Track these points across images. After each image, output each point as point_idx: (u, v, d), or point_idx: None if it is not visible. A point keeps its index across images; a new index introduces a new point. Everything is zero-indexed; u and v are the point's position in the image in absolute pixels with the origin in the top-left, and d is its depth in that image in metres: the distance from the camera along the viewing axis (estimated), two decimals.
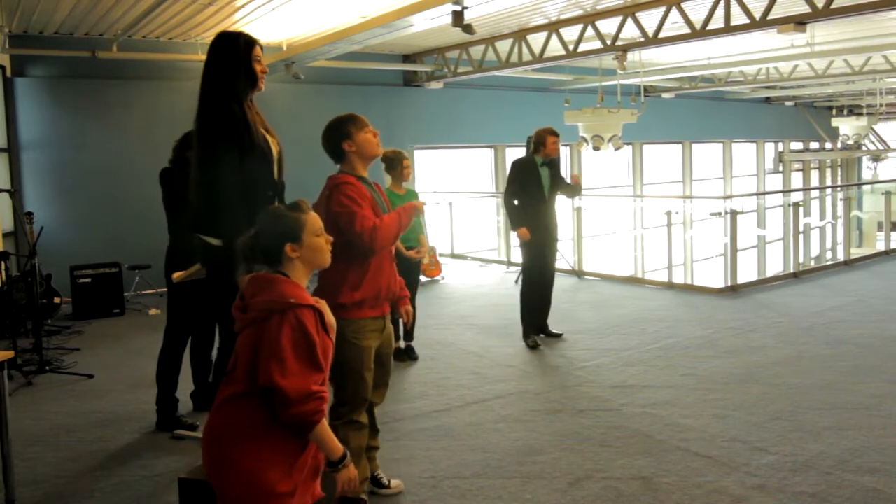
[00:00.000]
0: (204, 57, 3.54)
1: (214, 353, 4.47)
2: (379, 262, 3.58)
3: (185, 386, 5.28)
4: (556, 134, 6.86)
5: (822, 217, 21.66)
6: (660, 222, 11.01)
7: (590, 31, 10.24)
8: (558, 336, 7.12)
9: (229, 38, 3.47)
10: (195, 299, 4.94)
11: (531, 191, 6.83)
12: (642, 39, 9.83)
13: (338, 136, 3.57)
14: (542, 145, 6.83)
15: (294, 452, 2.35)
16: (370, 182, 3.66)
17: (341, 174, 3.58)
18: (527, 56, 11.49)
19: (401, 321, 6.32)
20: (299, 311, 2.33)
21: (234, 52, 3.42)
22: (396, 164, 6.32)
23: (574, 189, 7.16)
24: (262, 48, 3.53)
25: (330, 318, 2.50)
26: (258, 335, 2.33)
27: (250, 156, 3.34)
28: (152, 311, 8.95)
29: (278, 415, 2.27)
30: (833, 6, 7.60)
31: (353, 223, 3.42)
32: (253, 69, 3.43)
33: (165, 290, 5.22)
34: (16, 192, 9.14)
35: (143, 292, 9.85)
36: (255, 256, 2.48)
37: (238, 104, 3.37)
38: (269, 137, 3.50)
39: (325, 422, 2.32)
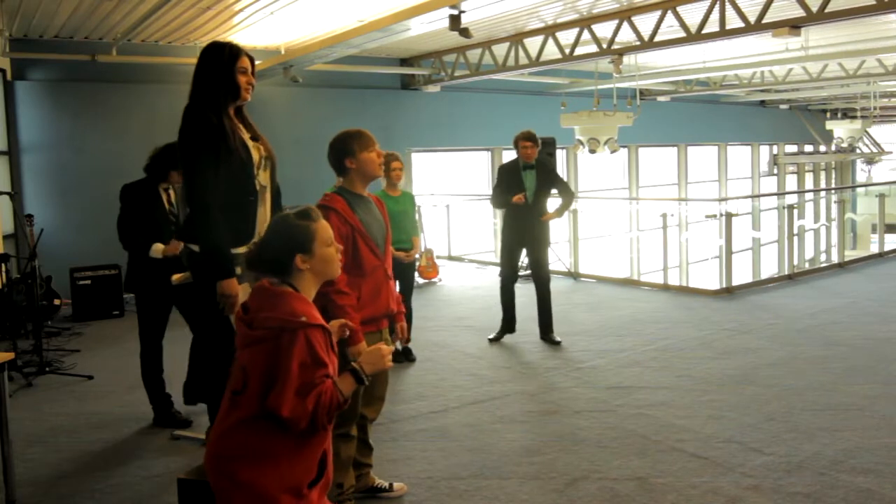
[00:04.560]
0: None
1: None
2: (376, 284, 3.57)
3: (180, 383, 5.31)
4: (527, 139, 6.86)
5: (817, 219, 21.71)
6: (655, 225, 11.05)
7: (586, 35, 10.29)
8: (557, 344, 7.05)
9: (215, 48, 3.51)
10: (169, 300, 5.10)
11: (513, 194, 6.87)
12: (638, 43, 9.89)
13: (341, 151, 3.56)
14: (516, 149, 6.95)
15: (309, 473, 2.33)
16: (367, 199, 3.65)
17: (333, 194, 3.56)
18: (523, 59, 11.54)
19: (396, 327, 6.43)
20: (310, 331, 2.25)
21: (217, 62, 3.46)
22: (384, 167, 6.35)
23: (566, 202, 7.16)
24: (251, 59, 3.55)
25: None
26: (270, 355, 2.24)
27: (227, 163, 3.39)
28: None
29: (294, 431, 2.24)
30: (827, 10, 7.64)
31: None
32: (235, 80, 3.46)
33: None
34: (16, 195, 9.16)
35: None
36: (262, 266, 2.40)
37: (215, 113, 3.41)
38: (252, 144, 3.53)
39: (333, 394, 2.27)
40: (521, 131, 6.97)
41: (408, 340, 6.72)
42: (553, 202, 7.24)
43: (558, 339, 7.10)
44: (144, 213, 5.09)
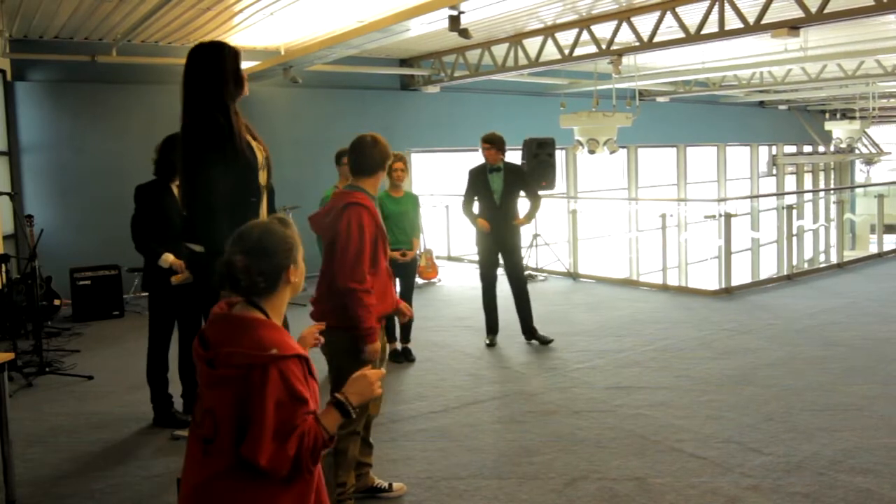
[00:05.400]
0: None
1: None
2: (385, 282, 3.68)
3: (177, 387, 5.33)
4: (486, 141, 6.98)
5: (816, 220, 21.75)
6: (654, 225, 11.06)
7: (585, 36, 10.30)
8: (549, 342, 7.08)
9: (215, 47, 3.50)
10: (178, 302, 5.10)
11: (480, 197, 7.05)
12: (637, 44, 9.89)
13: (384, 155, 3.67)
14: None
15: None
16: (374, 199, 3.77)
17: (362, 194, 3.63)
18: (523, 60, 11.55)
19: (397, 319, 6.47)
20: (283, 364, 2.00)
21: (221, 61, 3.45)
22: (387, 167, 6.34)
23: (533, 207, 7.27)
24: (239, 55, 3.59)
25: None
26: (239, 397, 1.99)
27: (234, 164, 3.39)
28: None
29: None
30: (826, 11, 7.65)
31: (346, 255, 3.48)
32: (239, 78, 3.48)
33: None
34: (16, 196, 9.17)
35: (142, 294, 9.84)
36: (247, 281, 2.12)
37: (223, 113, 3.41)
38: (254, 144, 3.54)
39: (318, 434, 2.04)
40: (484, 135, 7.09)
41: (408, 340, 6.77)
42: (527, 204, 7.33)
43: (549, 337, 7.12)
44: (159, 214, 5.11)
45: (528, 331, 7.15)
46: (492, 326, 7.21)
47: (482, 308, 7.26)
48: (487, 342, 7.15)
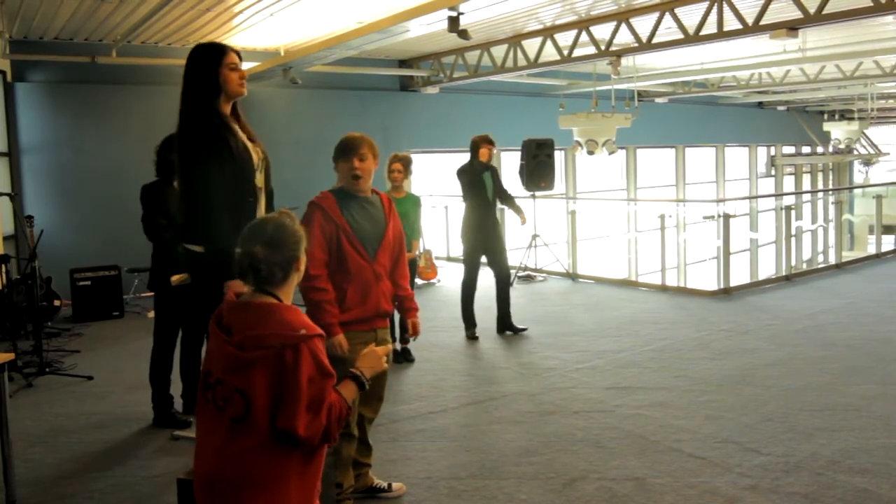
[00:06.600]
0: None
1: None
2: (364, 285, 3.59)
3: (177, 387, 5.34)
4: (490, 142, 7.23)
5: (814, 220, 21.76)
6: (653, 226, 11.08)
7: (584, 37, 10.32)
8: (523, 331, 7.44)
9: (204, 48, 3.51)
10: (183, 302, 5.09)
11: (474, 195, 7.27)
12: (636, 45, 9.91)
13: (334, 155, 3.70)
14: (475, 153, 7.26)
15: (316, 484, 2.31)
16: (364, 199, 3.69)
17: (326, 192, 3.65)
18: (522, 61, 11.57)
19: (396, 320, 6.49)
20: (311, 342, 2.17)
21: (208, 63, 3.46)
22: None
23: (513, 208, 7.64)
24: (239, 55, 3.57)
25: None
26: (274, 376, 2.14)
27: (230, 164, 3.40)
28: (151, 314, 8.88)
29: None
30: (825, 12, 7.67)
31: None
32: (228, 79, 3.48)
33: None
34: (16, 196, 9.17)
35: (142, 295, 9.85)
36: (272, 270, 2.28)
37: (216, 114, 3.41)
38: (250, 145, 3.55)
39: (342, 405, 2.25)
40: (480, 135, 7.28)
41: (407, 341, 6.78)
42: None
43: (523, 326, 7.49)
44: (164, 214, 5.12)
45: (504, 325, 7.49)
46: (472, 320, 7.43)
47: (463, 307, 7.44)
48: (469, 335, 7.36)
